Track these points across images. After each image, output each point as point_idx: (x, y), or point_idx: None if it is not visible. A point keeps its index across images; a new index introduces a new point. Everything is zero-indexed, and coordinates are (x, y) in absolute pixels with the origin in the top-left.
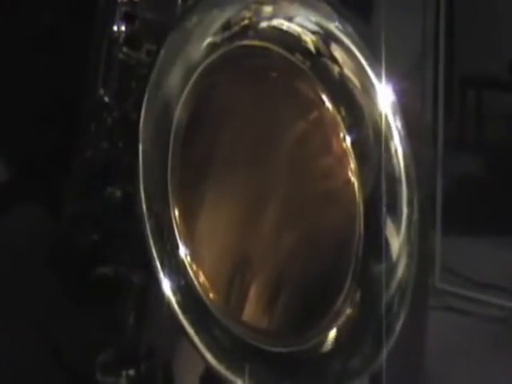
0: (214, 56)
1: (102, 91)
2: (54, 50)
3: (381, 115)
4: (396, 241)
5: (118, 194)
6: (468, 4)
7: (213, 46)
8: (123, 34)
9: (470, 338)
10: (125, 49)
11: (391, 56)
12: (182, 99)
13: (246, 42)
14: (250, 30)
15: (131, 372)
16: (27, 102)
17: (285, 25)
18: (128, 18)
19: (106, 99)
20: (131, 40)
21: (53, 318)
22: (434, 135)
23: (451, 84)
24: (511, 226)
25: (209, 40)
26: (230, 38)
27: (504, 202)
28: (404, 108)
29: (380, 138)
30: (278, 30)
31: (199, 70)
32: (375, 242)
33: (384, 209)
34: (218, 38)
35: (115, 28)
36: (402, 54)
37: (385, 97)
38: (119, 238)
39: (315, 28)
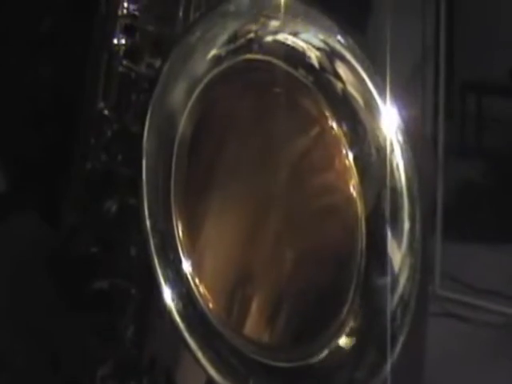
0: (218, 69)
1: (101, 104)
2: (54, 54)
3: (385, 137)
4: (398, 254)
5: (117, 206)
6: (468, 10)
7: (217, 59)
8: (123, 47)
9: (470, 345)
10: (125, 62)
11: (391, 63)
12: (186, 113)
13: (249, 56)
14: (254, 43)
15: None
16: (26, 110)
17: (290, 40)
18: (128, 31)
19: (106, 112)
20: (131, 53)
21: (52, 328)
22: (435, 141)
23: (451, 90)
24: (511, 232)
25: (214, 52)
26: (235, 51)
27: (504, 209)
28: (407, 125)
29: (382, 154)
30: (282, 45)
31: (203, 83)
32: (377, 256)
33: (387, 225)
34: (222, 51)
35: (115, 41)
36: (403, 61)
37: (390, 119)
38: (118, 251)
39: (321, 45)
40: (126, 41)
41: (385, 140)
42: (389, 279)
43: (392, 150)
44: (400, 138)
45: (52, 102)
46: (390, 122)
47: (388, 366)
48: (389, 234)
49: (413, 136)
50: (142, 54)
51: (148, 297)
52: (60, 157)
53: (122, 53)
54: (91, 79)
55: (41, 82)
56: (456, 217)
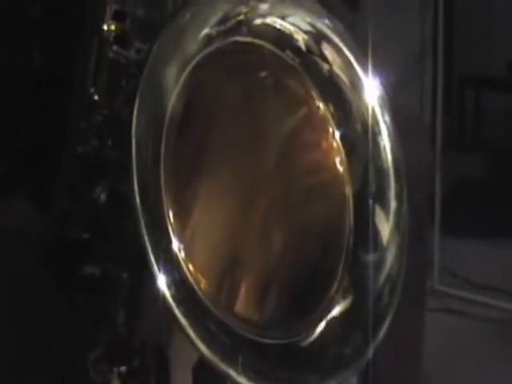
0: (207, 50)
1: (91, 89)
2: (44, 42)
3: (367, 108)
4: (386, 232)
5: (108, 191)
6: (467, 3)
7: (208, 38)
8: (113, 33)
9: (469, 340)
10: (115, 47)
11: (390, 54)
12: (175, 94)
13: (239, 38)
14: (243, 25)
15: (123, 369)
16: (18, 95)
17: (278, 23)
18: (118, 17)
19: (96, 97)
20: (121, 38)
21: (44, 313)
22: (433, 134)
23: (450, 83)
24: (510, 227)
25: (206, 31)
26: (225, 33)
27: (503, 203)
28: (393, 102)
29: (368, 133)
30: (271, 28)
31: (192, 64)
32: (365, 234)
33: (371, 202)
34: (214, 31)
35: (105, 27)
36: (401, 53)
37: (372, 90)
38: (109, 235)
39: (308, 28)
40: (116, 26)
41: (371, 118)
42: (372, 257)
43: (379, 131)
44: (386, 117)
45: (43, 85)
46: (374, 99)
47: (370, 342)
48: (376, 211)
49: (401, 118)
50: (131, 40)
51: (139, 281)
52: (51, 142)
53: (112, 38)
54: (82, 65)
55: (32, 68)
56: (455, 211)
